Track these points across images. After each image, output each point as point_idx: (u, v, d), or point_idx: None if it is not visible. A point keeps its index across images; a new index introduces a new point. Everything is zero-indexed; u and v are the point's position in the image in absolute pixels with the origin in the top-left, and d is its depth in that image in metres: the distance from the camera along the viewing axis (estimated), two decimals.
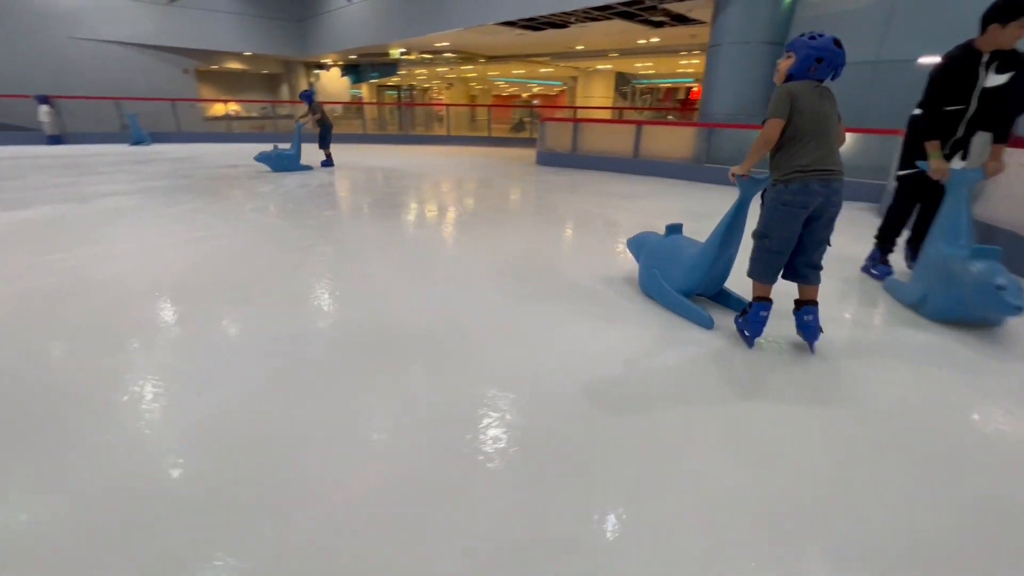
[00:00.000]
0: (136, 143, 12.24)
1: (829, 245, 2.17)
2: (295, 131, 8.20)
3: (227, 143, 13.48)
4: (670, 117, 19.46)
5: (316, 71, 20.84)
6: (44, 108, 10.91)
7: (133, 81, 15.14)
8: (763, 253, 2.18)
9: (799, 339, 2.29)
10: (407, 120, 17.46)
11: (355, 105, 18.82)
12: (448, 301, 2.84)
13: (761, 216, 2.21)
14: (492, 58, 18.02)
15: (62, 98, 11.92)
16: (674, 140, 8.76)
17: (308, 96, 8.16)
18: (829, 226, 2.10)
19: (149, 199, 5.69)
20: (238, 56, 18.01)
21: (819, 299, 2.22)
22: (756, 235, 2.22)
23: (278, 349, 2.23)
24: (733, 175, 2.25)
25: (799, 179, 1.99)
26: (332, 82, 20.30)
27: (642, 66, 18.96)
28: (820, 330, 2.21)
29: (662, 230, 2.92)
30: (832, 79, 2.02)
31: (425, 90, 28.12)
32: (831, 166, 1.99)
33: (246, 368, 2.06)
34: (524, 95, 36.65)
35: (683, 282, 2.63)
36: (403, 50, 16.19)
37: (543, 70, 20.44)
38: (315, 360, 2.13)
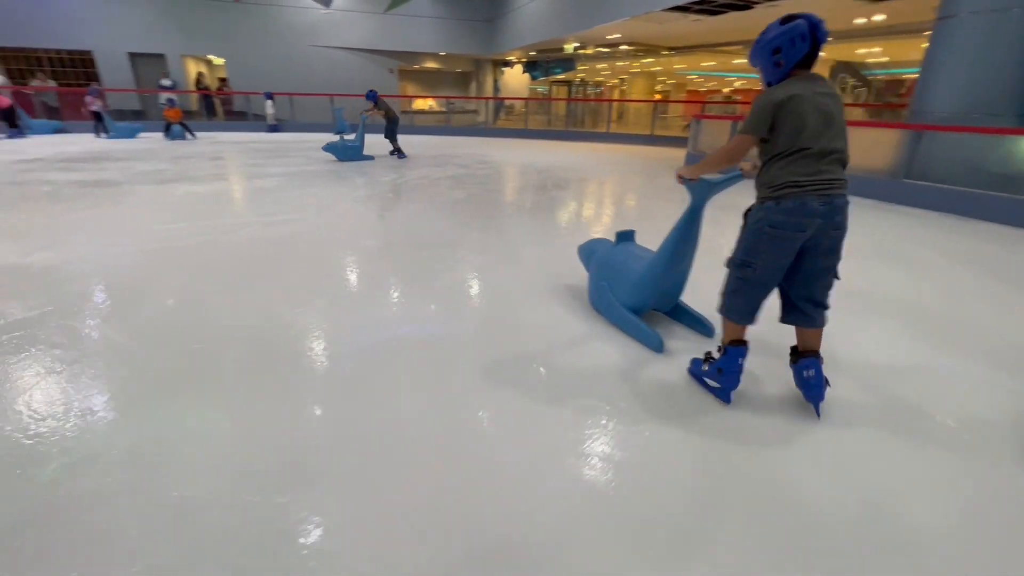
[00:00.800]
0: (338, 132, 14.49)
1: (838, 278, 1.73)
2: (360, 124, 8.92)
3: (408, 135, 15.09)
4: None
5: (502, 68, 21.94)
6: (268, 102, 13.63)
7: (350, 80, 17.93)
8: (742, 285, 1.76)
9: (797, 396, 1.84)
10: (576, 116, 17.26)
11: (527, 101, 19.33)
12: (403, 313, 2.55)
13: (741, 240, 1.76)
14: (676, 49, 16.57)
15: (283, 94, 14.76)
16: (866, 146, 6.75)
17: (373, 95, 8.95)
18: (833, 254, 1.68)
19: (292, 181, 6.56)
20: (435, 56, 19.95)
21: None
22: (734, 263, 1.79)
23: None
24: (680, 177, 1.97)
25: (794, 195, 1.59)
26: (514, 79, 21.14)
27: (867, 52, 15.34)
28: (827, 384, 1.78)
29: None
30: (816, 50, 1.57)
31: (610, 86, 27.46)
32: (834, 178, 1.59)
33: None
34: (725, 90, 33.28)
35: (632, 297, 2.30)
36: (577, 44, 15.92)
37: (737, 61, 18.05)
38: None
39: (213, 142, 11.69)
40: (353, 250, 3.71)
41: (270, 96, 13.58)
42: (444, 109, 20.56)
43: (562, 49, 16.49)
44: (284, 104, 15.24)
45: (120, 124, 12.28)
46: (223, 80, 17.27)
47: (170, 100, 12.67)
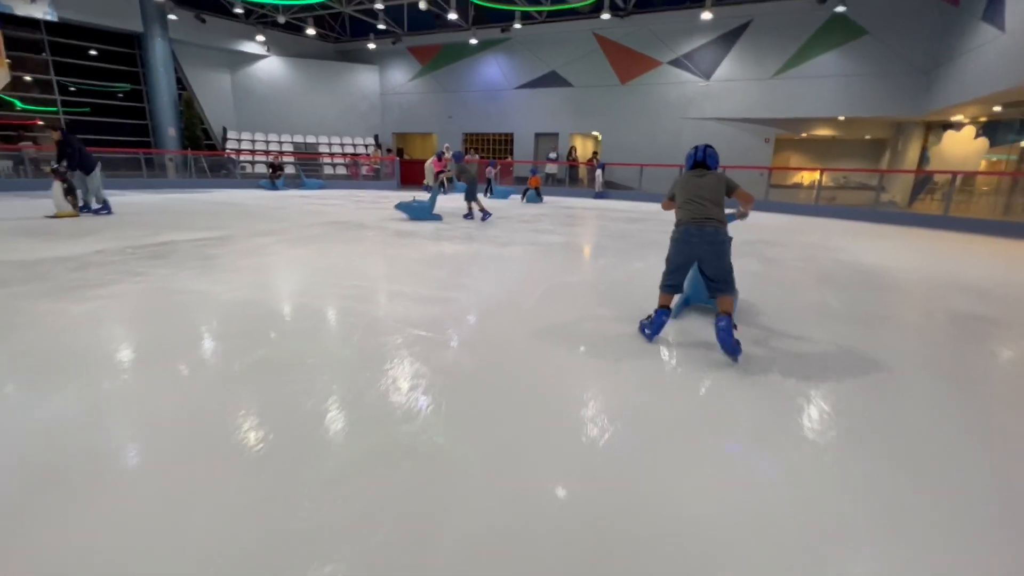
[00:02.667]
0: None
1: (723, 273, 3.01)
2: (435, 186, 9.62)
3: (767, 211, 12.69)
4: None
5: (944, 130, 15.87)
6: (599, 172, 13.98)
7: (719, 149, 16.70)
8: (665, 272, 3.20)
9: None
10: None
11: (969, 176, 13.10)
12: None
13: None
14: None
15: (623, 164, 14.95)
16: None
17: (459, 156, 10.01)
18: (714, 262, 3.01)
19: (534, 253, 6.20)
20: (830, 121, 16.24)
21: None
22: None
23: None
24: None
25: (681, 225, 3.08)
26: (957, 146, 14.82)
27: None
28: (733, 341, 2.76)
29: None
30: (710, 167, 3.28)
31: None
32: (705, 217, 3.00)
33: None
34: None
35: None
36: None
37: None
38: None
39: (548, 206, 12.93)
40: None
41: (602, 167, 14.09)
42: (834, 184, 16.63)
43: None
44: (634, 173, 15.58)
45: (499, 188, 15.28)
46: (595, 153, 19.23)
47: (533, 170, 14.88)
